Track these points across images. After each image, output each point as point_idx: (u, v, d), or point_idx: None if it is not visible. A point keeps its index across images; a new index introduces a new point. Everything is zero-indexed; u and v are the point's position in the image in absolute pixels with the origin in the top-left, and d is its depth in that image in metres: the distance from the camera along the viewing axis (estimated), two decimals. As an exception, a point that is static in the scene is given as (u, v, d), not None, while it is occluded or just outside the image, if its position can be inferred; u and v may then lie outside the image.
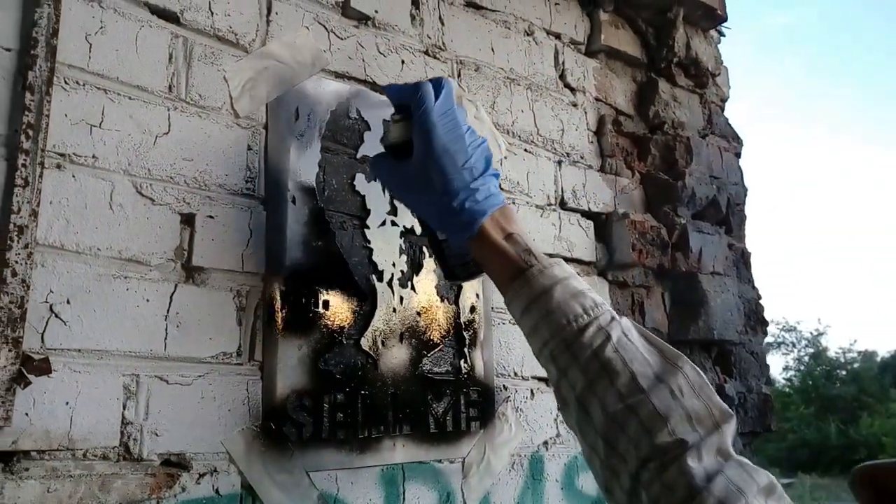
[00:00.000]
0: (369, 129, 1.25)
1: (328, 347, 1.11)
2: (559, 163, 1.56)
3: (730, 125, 1.95)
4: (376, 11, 1.31)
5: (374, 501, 1.12)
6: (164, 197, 1.01)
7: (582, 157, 1.61)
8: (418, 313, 1.24)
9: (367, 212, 1.21)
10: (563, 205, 1.54)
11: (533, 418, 1.37)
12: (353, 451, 1.11)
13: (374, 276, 1.19)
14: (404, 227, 1.25)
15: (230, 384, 1.02)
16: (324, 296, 1.12)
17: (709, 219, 1.78)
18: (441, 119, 0.87)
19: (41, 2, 0.94)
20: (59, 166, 0.93)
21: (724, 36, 2.16)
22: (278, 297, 1.08)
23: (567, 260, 1.50)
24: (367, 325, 1.17)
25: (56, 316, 0.90)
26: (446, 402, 1.23)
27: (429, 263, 1.27)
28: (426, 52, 1.38)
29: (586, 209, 1.58)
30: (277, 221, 1.10)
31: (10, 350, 0.85)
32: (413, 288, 1.24)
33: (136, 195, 0.99)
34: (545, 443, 1.38)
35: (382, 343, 1.18)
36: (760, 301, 1.86)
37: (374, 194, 1.22)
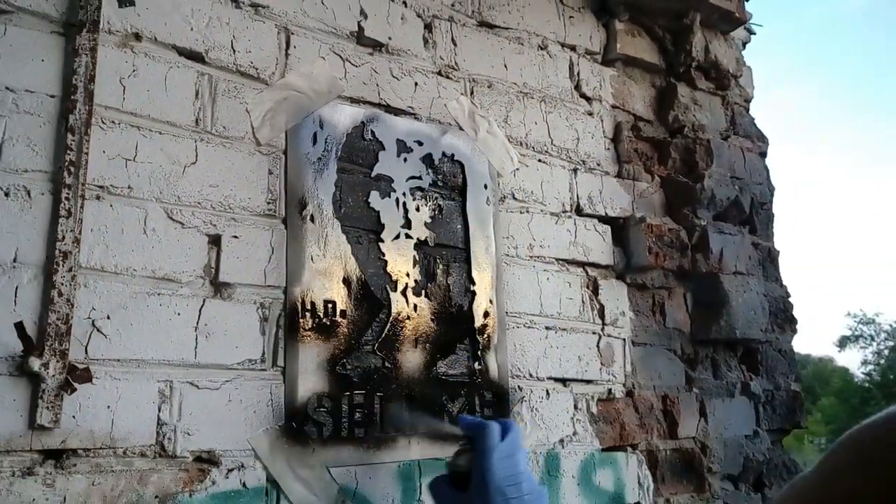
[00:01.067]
0: (383, 148, 1.34)
1: (346, 353, 1.21)
2: (574, 171, 1.62)
3: (755, 125, 1.96)
4: (390, 38, 1.41)
5: (391, 495, 1.21)
6: (193, 220, 1.13)
7: (598, 164, 1.67)
8: (432, 320, 1.32)
9: (382, 226, 1.30)
10: (578, 211, 1.60)
11: (549, 417, 1.44)
12: (371, 449, 1.20)
13: (388, 287, 1.28)
14: (418, 239, 1.33)
15: (255, 388, 1.13)
16: (341, 306, 1.22)
17: (731, 219, 1.80)
18: (501, 462, 0.97)
19: (79, 52, 1.06)
20: (98, 197, 1.06)
21: (754, 34, 2.17)
22: (298, 308, 1.18)
23: (583, 264, 1.57)
24: (382, 331, 1.26)
25: (98, 330, 1.02)
26: (461, 402, 1.31)
27: (442, 273, 1.35)
28: (439, 73, 1.46)
29: (603, 214, 1.64)
30: (297, 238, 1.21)
31: (57, 361, 0.97)
32: (427, 296, 1.32)
33: (167, 220, 1.11)
34: (561, 440, 1.44)
35: (397, 348, 1.27)
36: (789, 299, 1.87)
37: (389, 210, 1.31)
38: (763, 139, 1.95)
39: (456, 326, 1.35)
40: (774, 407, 1.78)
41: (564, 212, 1.58)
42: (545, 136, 1.59)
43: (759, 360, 1.78)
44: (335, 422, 1.18)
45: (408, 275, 1.31)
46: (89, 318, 1.02)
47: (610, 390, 1.54)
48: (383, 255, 1.29)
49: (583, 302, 1.55)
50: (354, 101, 1.34)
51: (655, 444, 1.58)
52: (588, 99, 1.70)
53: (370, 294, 1.26)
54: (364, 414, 1.21)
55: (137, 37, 1.14)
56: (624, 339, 1.59)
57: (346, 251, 1.25)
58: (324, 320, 1.20)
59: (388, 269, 1.29)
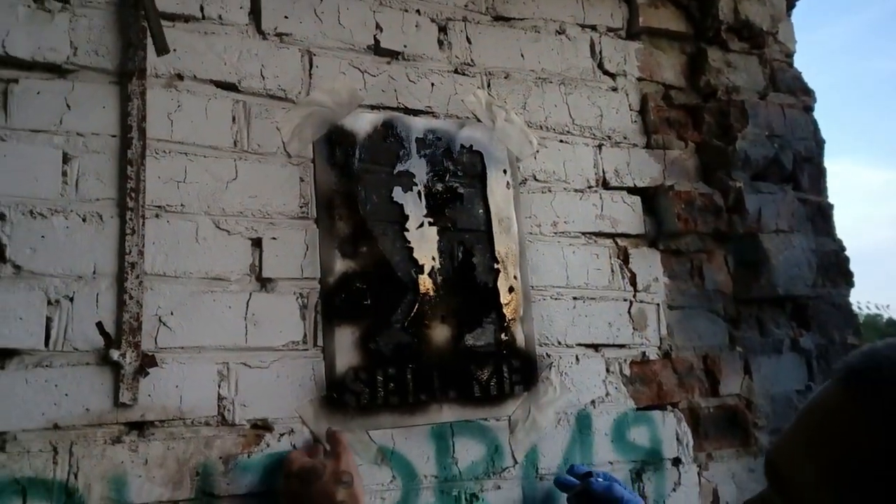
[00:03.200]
0: (403, 147, 1.49)
1: (378, 331, 1.38)
2: (599, 147, 1.70)
3: (799, 79, 1.94)
4: (405, 46, 1.55)
5: (426, 453, 1.38)
6: (237, 228, 1.33)
7: (625, 138, 1.74)
8: (457, 298, 1.46)
9: (406, 217, 1.45)
10: (605, 185, 1.68)
11: (580, 380, 1.55)
12: (405, 414, 1.37)
13: (414, 271, 1.44)
14: (440, 226, 1.48)
15: (299, 365, 1.33)
16: (371, 290, 1.39)
17: (772, 178, 1.81)
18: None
19: (131, 97, 1.29)
20: (157, 215, 1.28)
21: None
22: (333, 295, 1.37)
23: (612, 235, 1.66)
24: (410, 310, 1.42)
25: (164, 324, 1.25)
26: (488, 370, 1.45)
27: (465, 255, 1.49)
28: (455, 71, 1.59)
29: (632, 185, 1.71)
30: (327, 235, 1.39)
31: (132, 351, 1.21)
32: (451, 276, 1.47)
33: (215, 229, 1.32)
34: (592, 402, 1.55)
35: (426, 325, 1.42)
36: (843, 253, 1.85)
37: (411, 202, 1.46)
38: (808, 93, 1.92)
39: (481, 302, 1.48)
40: (829, 361, 1.78)
41: (590, 187, 1.67)
42: (566, 116, 1.68)
43: (809, 316, 1.79)
44: (371, 391, 1.35)
45: (433, 259, 1.46)
46: (156, 314, 1.25)
47: (644, 353, 1.62)
48: (408, 242, 1.45)
49: (612, 271, 1.64)
50: (374, 107, 1.50)
51: (697, 402, 1.65)
52: (612, 75, 1.77)
53: (397, 278, 1.42)
54: (397, 384, 1.38)
55: (180, 77, 1.35)
56: (658, 304, 1.67)
57: (372, 242, 1.41)
58: (356, 304, 1.38)
59: (414, 255, 1.44)
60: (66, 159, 1.24)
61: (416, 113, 1.53)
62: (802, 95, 1.92)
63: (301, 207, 1.39)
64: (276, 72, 1.43)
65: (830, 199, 1.89)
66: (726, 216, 1.73)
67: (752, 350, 1.72)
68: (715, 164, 1.77)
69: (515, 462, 1.44)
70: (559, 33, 1.73)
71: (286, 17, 1.46)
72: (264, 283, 1.34)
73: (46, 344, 1.17)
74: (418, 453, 1.37)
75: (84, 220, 1.23)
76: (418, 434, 1.38)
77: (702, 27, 1.85)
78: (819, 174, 1.89)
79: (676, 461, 1.59)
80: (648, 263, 1.68)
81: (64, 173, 1.24)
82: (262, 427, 1.28)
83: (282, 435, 1.29)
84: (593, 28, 1.77)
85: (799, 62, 1.97)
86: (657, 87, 1.81)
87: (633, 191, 1.71)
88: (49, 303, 1.18)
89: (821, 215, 1.86)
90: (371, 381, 1.36)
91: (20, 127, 1.22)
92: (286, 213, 1.38)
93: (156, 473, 1.19)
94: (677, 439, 1.60)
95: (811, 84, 1.94)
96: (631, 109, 1.76)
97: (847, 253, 1.85)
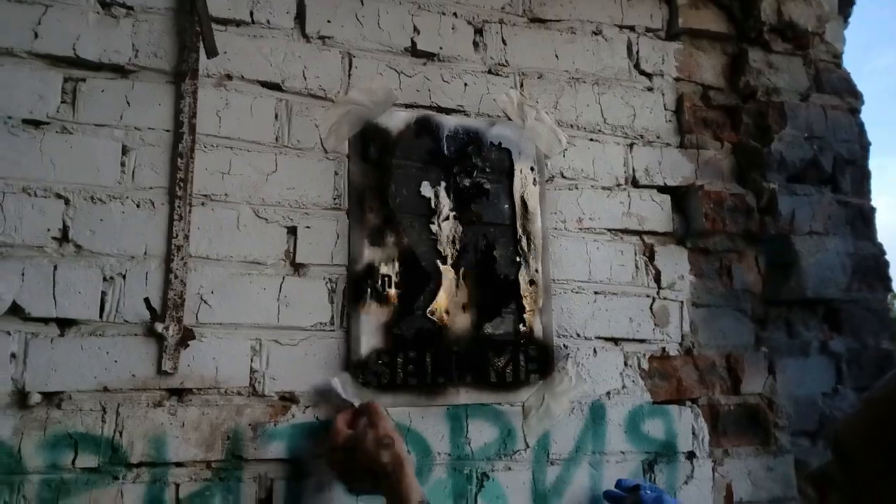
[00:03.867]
0: (434, 144, 1.57)
1: (401, 317, 1.48)
2: (631, 145, 1.74)
3: (846, 80, 1.91)
4: (441, 48, 1.63)
5: (441, 431, 1.47)
6: (274, 216, 1.45)
7: (658, 137, 1.77)
8: (478, 288, 1.54)
9: (433, 210, 1.54)
10: (635, 183, 1.72)
11: (596, 372, 1.60)
12: (423, 395, 1.47)
13: (438, 261, 1.52)
14: (465, 219, 1.56)
15: (325, 345, 1.44)
16: (395, 278, 1.49)
17: (810, 180, 1.79)
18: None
19: (184, 95, 1.42)
20: (203, 203, 1.41)
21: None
22: (359, 282, 1.47)
23: (639, 233, 1.70)
24: (432, 298, 1.51)
25: (205, 302, 1.38)
26: (505, 358, 1.53)
27: (489, 248, 1.56)
28: (489, 72, 1.66)
29: (662, 184, 1.74)
30: (357, 226, 1.49)
31: (175, 325, 1.34)
32: (473, 268, 1.55)
33: (255, 218, 1.44)
34: (608, 393, 1.60)
35: (447, 312, 1.51)
36: (883, 256, 1.82)
37: (438, 196, 1.55)
38: (854, 94, 1.89)
39: (502, 293, 1.56)
40: (861, 365, 1.76)
41: (618, 185, 1.71)
42: (597, 116, 1.72)
43: (841, 319, 1.78)
44: (391, 373, 1.46)
45: (456, 250, 1.54)
46: (198, 293, 1.38)
47: (664, 349, 1.66)
48: (433, 234, 1.53)
49: (636, 268, 1.68)
50: (409, 106, 1.59)
51: (717, 399, 1.68)
52: (648, 75, 1.80)
53: (421, 268, 1.51)
54: (416, 367, 1.47)
55: (229, 77, 1.48)
56: (682, 302, 1.70)
57: (399, 233, 1.51)
58: (381, 291, 1.48)
59: (438, 246, 1.53)
60: (124, 151, 1.39)
61: (448, 111, 1.61)
62: (848, 97, 1.89)
63: (334, 199, 1.50)
64: (318, 72, 1.54)
65: (874, 201, 1.87)
66: (758, 217, 1.74)
67: (778, 351, 1.73)
68: (750, 165, 1.78)
69: (527, 446, 1.52)
70: (595, 34, 1.77)
71: (329, 21, 1.56)
72: (297, 268, 1.45)
73: (101, 315, 1.32)
74: (433, 432, 1.47)
75: (138, 206, 1.37)
76: (434, 414, 1.47)
77: (744, 28, 1.85)
78: (862, 177, 1.86)
79: (690, 455, 1.63)
80: (675, 261, 1.71)
81: (122, 164, 1.38)
82: (288, 399, 1.40)
83: (307, 407, 1.41)
84: (631, 29, 1.81)
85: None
86: (695, 87, 1.83)
87: (663, 189, 1.74)
88: (104, 279, 1.33)
89: (862, 218, 1.83)
90: (392, 363, 1.46)
91: (85, 121, 1.38)
92: (320, 204, 1.49)
93: (191, 435, 1.33)
94: (693, 434, 1.64)
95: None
96: (666, 109, 1.79)
97: (887, 257, 1.83)
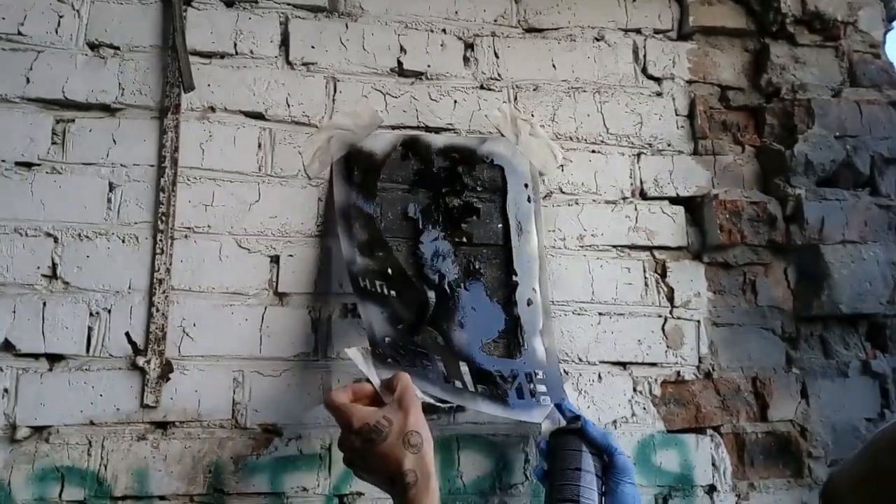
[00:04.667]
0: (422, 164, 1.53)
1: (388, 345, 1.44)
2: (638, 155, 1.63)
3: (887, 71, 1.73)
4: (429, 66, 1.59)
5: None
6: (257, 246, 1.45)
7: (669, 145, 1.65)
8: (473, 310, 1.48)
9: (420, 231, 1.50)
10: (643, 195, 1.62)
11: (601, 399, 1.50)
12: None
13: (426, 286, 1.47)
14: (456, 240, 1.50)
15: (308, 375, 1.42)
16: (384, 304, 1.45)
17: (843, 183, 1.63)
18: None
19: (166, 130, 1.45)
20: (185, 236, 1.43)
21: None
22: (345, 309, 1.44)
23: (649, 248, 1.59)
24: (421, 325, 1.46)
25: (187, 334, 1.39)
26: (502, 386, 1.45)
27: (482, 269, 1.50)
28: (480, 87, 1.61)
29: (674, 195, 1.63)
30: (343, 253, 1.46)
31: (157, 358, 1.36)
32: (466, 290, 1.49)
33: (237, 248, 1.44)
34: (614, 421, 1.49)
35: (437, 339, 1.46)
36: (937, 265, 1.63)
37: (426, 218, 1.50)
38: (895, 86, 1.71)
39: (497, 316, 1.49)
40: (909, 387, 1.58)
41: (624, 198, 1.61)
42: (599, 126, 1.63)
43: (887, 336, 1.60)
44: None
45: (447, 272, 1.49)
46: (180, 325, 1.39)
47: (679, 373, 1.54)
48: (421, 257, 1.49)
49: (646, 286, 1.57)
50: (395, 127, 1.55)
51: (742, 427, 1.54)
52: (657, 79, 1.69)
53: (408, 294, 1.46)
54: (403, 395, 1.42)
55: (212, 109, 1.49)
56: (698, 321, 1.57)
57: (387, 258, 1.47)
58: (368, 317, 1.44)
59: (425, 271, 1.48)
60: (111, 188, 1.42)
61: (437, 131, 1.56)
62: (889, 89, 1.71)
63: (318, 226, 1.48)
64: (301, 99, 1.53)
65: (926, 204, 1.68)
66: (783, 226, 1.60)
67: (812, 373, 1.58)
68: (773, 171, 1.64)
69: (526, 479, 1.44)
70: (597, 40, 1.68)
71: (313, 47, 1.55)
72: (280, 297, 1.44)
73: (87, 350, 1.35)
74: (422, 464, 1.41)
75: (123, 241, 1.40)
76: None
77: (764, 22, 1.71)
78: (908, 176, 1.68)
79: (711, 489, 1.50)
80: (690, 277, 1.59)
81: (108, 200, 1.42)
82: (271, 431, 1.39)
83: (290, 440, 1.39)
84: (637, 31, 1.70)
85: None
86: (711, 88, 1.70)
87: (675, 200, 1.63)
88: (91, 314, 1.36)
89: (908, 223, 1.65)
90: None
91: (74, 161, 1.42)
92: (304, 231, 1.47)
93: (174, 469, 1.33)
94: (713, 465, 1.51)
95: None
96: (677, 115, 1.67)
97: (942, 265, 1.63)
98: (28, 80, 1.43)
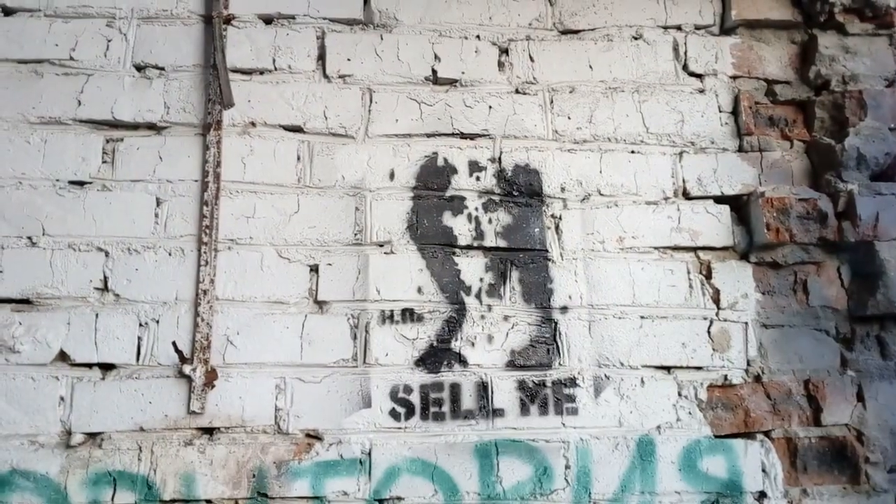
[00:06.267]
0: (456, 172, 1.54)
1: (424, 350, 1.45)
2: (680, 154, 1.60)
3: (947, 56, 1.64)
4: (463, 73, 1.60)
5: (469, 469, 1.41)
6: (297, 256, 1.48)
7: (712, 142, 1.61)
8: (505, 318, 1.48)
9: (455, 239, 1.50)
10: (686, 195, 1.58)
11: (644, 404, 1.47)
12: (448, 428, 1.42)
13: (462, 292, 1.48)
14: (491, 247, 1.50)
15: (348, 381, 1.44)
16: (418, 311, 1.46)
17: (898, 176, 1.56)
18: None
19: (209, 146, 1.50)
20: (229, 248, 1.47)
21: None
22: (383, 316, 1.46)
23: (693, 249, 1.56)
24: (455, 331, 1.46)
25: (230, 343, 1.43)
26: (541, 393, 1.44)
27: (517, 274, 1.50)
28: (515, 91, 1.60)
29: (718, 194, 1.58)
30: (379, 260, 1.48)
31: (203, 366, 1.40)
32: (500, 297, 1.48)
33: (278, 258, 1.48)
34: (658, 427, 1.46)
35: (472, 344, 1.46)
36: None
37: (461, 225, 1.51)
38: (956, 72, 1.62)
39: (532, 321, 1.48)
40: (981, 390, 1.49)
41: (665, 198, 1.57)
42: (639, 125, 1.60)
43: (951, 336, 1.52)
44: (415, 406, 1.42)
45: (481, 279, 1.49)
46: (224, 334, 1.43)
47: (726, 376, 1.50)
48: (457, 265, 1.49)
49: (690, 287, 1.53)
50: (430, 135, 1.56)
51: (794, 432, 1.48)
52: (699, 76, 1.65)
53: (444, 299, 1.47)
54: (441, 400, 1.43)
55: (253, 124, 1.54)
56: (746, 323, 1.52)
57: (421, 266, 1.48)
58: (403, 324, 1.46)
59: (462, 276, 1.49)
60: (158, 203, 1.48)
61: (472, 137, 1.57)
62: (949, 75, 1.62)
63: (356, 235, 1.50)
64: (338, 111, 1.56)
65: None
66: (835, 223, 1.53)
67: (869, 374, 1.51)
68: (823, 165, 1.58)
69: (567, 484, 1.43)
70: (635, 38, 1.66)
71: (349, 60, 1.58)
72: (320, 305, 1.47)
73: (137, 359, 1.41)
74: (461, 470, 1.41)
75: (170, 254, 1.46)
76: (461, 450, 1.42)
77: (810, 12, 1.65)
78: (974, 167, 1.59)
79: (761, 495, 1.45)
80: (736, 278, 1.54)
81: (156, 215, 1.47)
82: (313, 436, 1.41)
83: (330, 445, 1.41)
84: (678, 28, 1.67)
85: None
86: (757, 83, 1.65)
87: (720, 199, 1.58)
88: (140, 325, 1.42)
89: (974, 216, 1.56)
90: (416, 397, 1.43)
91: (123, 178, 1.48)
92: (341, 240, 1.50)
93: (219, 473, 1.37)
94: (763, 471, 1.46)
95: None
96: (721, 111, 1.63)
97: None
98: (80, 103, 1.50)
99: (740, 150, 1.62)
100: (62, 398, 1.38)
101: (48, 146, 1.48)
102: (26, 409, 1.37)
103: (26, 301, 1.41)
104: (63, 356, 1.40)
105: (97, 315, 1.42)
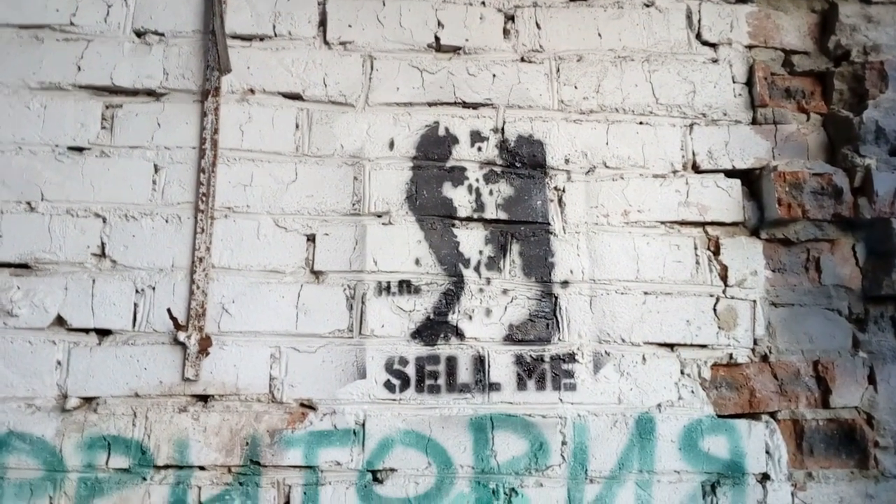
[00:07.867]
0: (457, 141, 1.50)
1: (420, 322, 1.43)
2: (690, 126, 1.54)
3: (976, 26, 1.56)
4: (467, 40, 1.56)
5: (463, 443, 1.39)
6: (294, 225, 1.46)
7: (725, 114, 1.55)
8: (504, 291, 1.45)
9: (455, 211, 1.47)
10: (695, 168, 1.53)
11: (644, 381, 1.44)
12: (443, 401, 1.40)
13: (461, 264, 1.45)
14: (491, 219, 1.47)
15: (343, 352, 1.42)
16: (415, 283, 1.44)
17: (921, 151, 1.49)
18: None
19: (206, 112, 1.48)
20: (225, 216, 1.46)
21: None
22: (379, 287, 1.44)
23: (701, 224, 1.51)
24: (453, 303, 1.44)
25: (226, 311, 1.42)
26: (538, 368, 1.42)
27: (518, 247, 1.46)
28: (521, 60, 1.56)
29: (729, 168, 1.53)
30: (376, 231, 1.46)
31: (197, 333, 1.40)
32: (499, 269, 1.45)
33: (274, 227, 1.46)
34: (658, 405, 1.43)
35: (469, 318, 1.43)
36: None
37: (461, 196, 1.48)
38: None
39: (532, 295, 1.45)
40: None
41: (674, 171, 1.53)
42: (648, 96, 1.55)
43: (971, 319, 1.45)
44: (410, 378, 1.41)
45: (480, 252, 1.46)
46: (220, 302, 1.43)
47: (731, 355, 1.45)
48: (456, 237, 1.46)
49: (697, 263, 1.49)
50: (431, 104, 1.53)
51: (801, 414, 1.44)
52: (712, 45, 1.59)
53: (442, 272, 1.45)
54: (437, 373, 1.41)
55: (252, 91, 1.51)
56: (754, 301, 1.48)
57: (420, 237, 1.46)
58: (401, 297, 1.43)
59: (461, 248, 1.46)
60: (156, 170, 1.47)
61: (474, 106, 1.53)
62: (978, 45, 1.54)
63: (353, 205, 1.48)
64: (338, 78, 1.53)
65: None
66: (851, 199, 1.47)
67: (882, 356, 1.45)
68: (841, 139, 1.51)
69: (562, 460, 1.40)
70: (647, 6, 1.60)
71: (350, 26, 1.55)
72: (316, 275, 1.45)
73: (133, 325, 1.40)
74: (455, 443, 1.39)
75: (167, 221, 1.45)
76: (456, 424, 1.40)
77: (832, -23, 1.58)
78: None
79: (764, 477, 1.41)
80: (746, 255, 1.49)
81: (153, 182, 1.47)
82: (307, 406, 1.40)
83: (324, 415, 1.40)
84: (692, -5, 1.61)
85: None
86: (773, 53, 1.59)
87: (730, 173, 1.53)
88: (136, 291, 1.42)
89: None
90: (411, 369, 1.41)
91: (121, 144, 1.47)
92: (339, 210, 1.48)
93: (212, 440, 1.37)
94: (767, 453, 1.42)
95: None
96: (734, 82, 1.57)
97: None
98: (79, 69, 1.49)
99: (754, 122, 1.56)
100: (59, 362, 1.39)
101: (48, 112, 1.48)
102: (23, 372, 1.38)
103: (24, 266, 1.42)
104: (60, 321, 1.40)
105: (94, 281, 1.42)
